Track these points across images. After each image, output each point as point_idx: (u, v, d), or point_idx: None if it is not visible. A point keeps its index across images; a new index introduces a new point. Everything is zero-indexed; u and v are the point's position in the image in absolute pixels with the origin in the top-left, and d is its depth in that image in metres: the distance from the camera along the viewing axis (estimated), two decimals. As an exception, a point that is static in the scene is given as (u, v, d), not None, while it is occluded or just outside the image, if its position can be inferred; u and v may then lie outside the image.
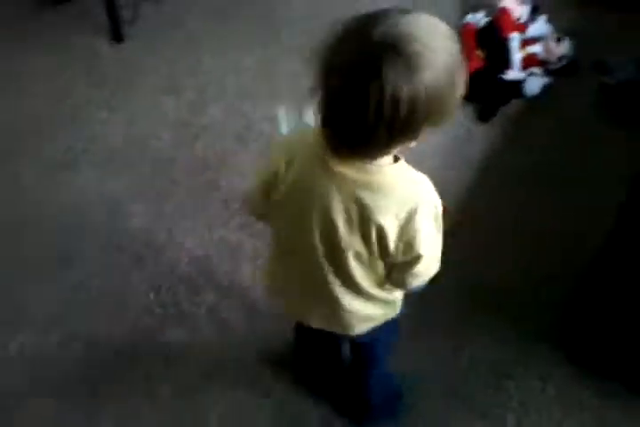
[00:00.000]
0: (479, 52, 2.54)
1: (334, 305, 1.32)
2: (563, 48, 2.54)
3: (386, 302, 1.37)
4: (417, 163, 1.20)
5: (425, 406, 1.85)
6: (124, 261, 2.14)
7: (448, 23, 1.06)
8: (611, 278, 1.83)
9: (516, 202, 2.21)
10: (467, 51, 2.50)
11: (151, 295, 2.07)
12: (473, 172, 2.30)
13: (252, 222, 2.20)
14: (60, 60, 2.68)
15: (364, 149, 1.07)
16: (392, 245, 1.17)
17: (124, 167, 2.37)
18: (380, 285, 1.31)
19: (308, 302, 1.37)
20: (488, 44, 2.56)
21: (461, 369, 1.92)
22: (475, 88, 2.39)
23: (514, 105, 2.47)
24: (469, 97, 2.39)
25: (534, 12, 2.69)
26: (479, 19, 2.65)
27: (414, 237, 1.16)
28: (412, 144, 1.09)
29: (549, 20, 2.67)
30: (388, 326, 1.43)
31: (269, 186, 1.25)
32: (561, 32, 2.60)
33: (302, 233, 1.23)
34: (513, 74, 2.50)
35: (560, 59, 2.54)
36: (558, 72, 2.55)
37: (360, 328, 1.39)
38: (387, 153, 1.10)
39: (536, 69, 2.52)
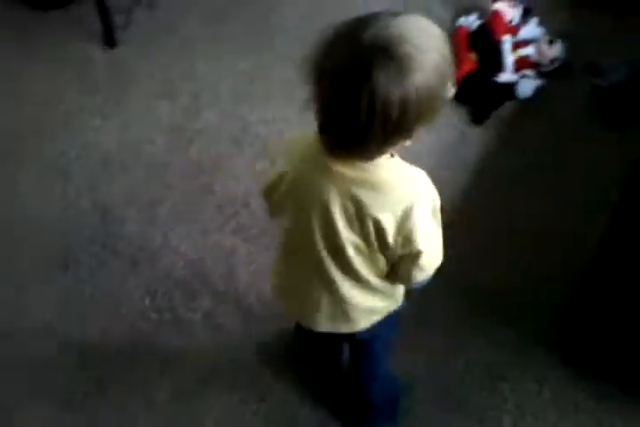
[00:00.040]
0: (472, 55, 2.55)
1: (337, 299, 1.33)
2: (555, 50, 2.55)
3: (387, 294, 1.38)
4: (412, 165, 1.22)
5: (420, 409, 1.85)
6: (119, 266, 2.14)
7: (440, 26, 1.07)
8: (607, 280, 1.83)
9: (510, 203, 2.21)
10: (459, 54, 2.53)
11: (147, 300, 2.07)
12: (468, 174, 2.30)
13: (247, 227, 2.21)
14: (52, 65, 2.68)
15: (360, 150, 1.08)
16: (391, 239, 1.19)
17: (117, 172, 2.37)
18: (382, 277, 1.32)
19: (312, 299, 1.36)
20: (480, 46, 2.56)
21: (457, 372, 1.92)
22: (468, 91, 2.45)
23: (507, 107, 2.48)
24: (463, 100, 2.46)
25: (526, 15, 2.70)
26: (471, 22, 2.66)
27: (413, 232, 1.17)
28: (407, 143, 1.11)
29: (541, 23, 2.68)
30: (390, 321, 1.44)
31: (274, 186, 1.28)
32: (553, 34, 2.61)
33: (303, 230, 1.24)
34: (506, 76, 2.51)
35: (552, 61, 2.55)
36: (551, 74, 2.56)
37: (364, 322, 1.39)
38: (383, 152, 1.11)
39: (529, 72, 2.53)
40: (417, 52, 0.98)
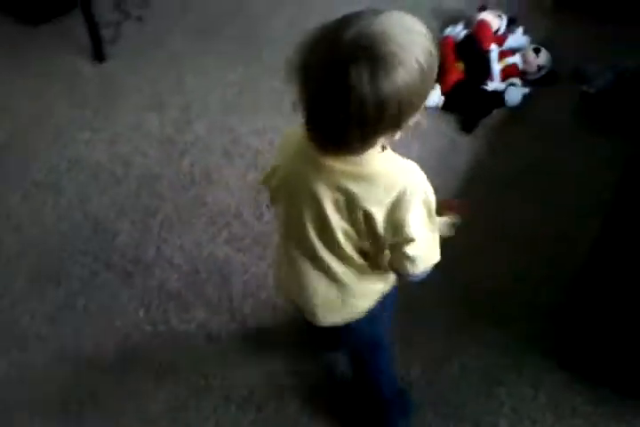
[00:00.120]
0: (459, 65, 2.57)
1: (333, 284, 1.34)
2: (541, 59, 2.58)
3: (381, 277, 1.38)
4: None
5: (416, 414, 1.84)
6: (113, 279, 2.13)
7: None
8: (600, 284, 1.84)
9: (503, 209, 2.22)
10: (447, 63, 2.55)
11: (141, 313, 2.06)
12: (459, 181, 2.32)
13: (239, 237, 2.21)
14: (42, 79, 2.68)
15: (347, 145, 1.09)
16: (380, 228, 1.19)
17: (109, 185, 2.36)
18: (374, 263, 1.33)
19: (310, 286, 1.37)
20: (467, 56, 2.59)
21: (453, 376, 1.91)
22: (457, 100, 2.47)
23: (496, 115, 2.50)
24: (452, 108, 2.47)
25: (511, 24, 2.74)
26: (458, 31, 2.69)
27: (403, 220, 1.18)
28: (397, 136, 1.12)
29: (526, 32, 2.71)
30: (384, 306, 1.44)
31: (270, 177, 1.32)
32: (538, 42, 2.64)
33: (296, 222, 1.27)
34: (494, 85, 2.53)
35: (539, 69, 2.58)
36: (537, 82, 2.59)
37: (361, 306, 1.40)
38: (371, 146, 1.12)
39: (516, 80, 2.56)
40: (400, 50, 0.99)
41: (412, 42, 1.01)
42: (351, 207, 1.18)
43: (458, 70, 2.56)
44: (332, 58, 0.99)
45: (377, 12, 1.02)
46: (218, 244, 2.20)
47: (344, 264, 1.31)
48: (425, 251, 1.25)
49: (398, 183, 1.16)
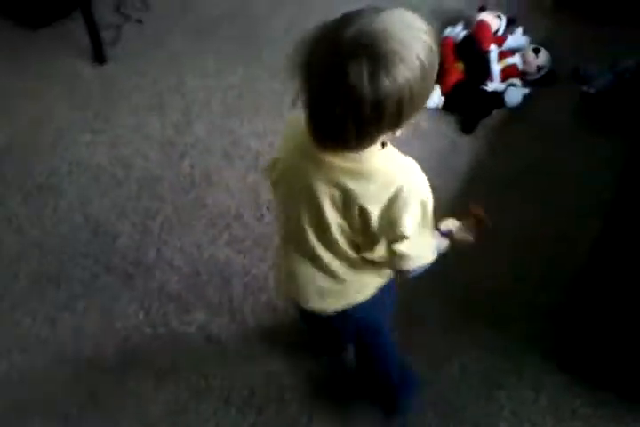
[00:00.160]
0: (459, 65, 2.57)
1: (330, 279, 1.35)
2: (541, 59, 2.57)
3: (374, 270, 1.39)
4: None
5: (417, 416, 1.84)
6: (113, 281, 2.14)
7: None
8: (600, 285, 1.84)
9: (503, 209, 2.21)
10: (447, 64, 2.55)
11: (141, 315, 2.06)
12: (459, 181, 2.32)
13: (240, 239, 2.21)
14: (42, 82, 2.69)
15: (347, 142, 1.09)
16: (375, 224, 1.20)
17: (109, 187, 2.37)
18: (367, 257, 1.33)
19: (308, 285, 1.39)
20: (467, 56, 2.59)
21: (453, 379, 1.92)
22: (457, 100, 2.47)
23: (496, 116, 2.50)
24: (452, 109, 2.47)
25: (511, 25, 2.74)
26: (458, 32, 2.69)
27: (398, 218, 1.19)
28: (398, 133, 1.12)
29: (525, 32, 2.71)
30: (383, 294, 1.45)
31: (271, 168, 1.33)
32: (537, 43, 2.64)
33: (292, 215, 1.29)
34: (493, 85, 2.53)
35: (538, 69, 2.58)
36: (537, 82, 2.59)
37: (359, 297, 1.41)
38: (372, 143, 1.12)
39: (515, 80, 2.56)
40: (401, 48, 0.99)
41: (413, 39, 1.01)
42: (348, 203, 1.19)
43: (458, 71, 2.56)
44: (333, 56, 0.99)
45: (378, 10, 1.02)
46: (218, 246, 2.20)
47: (340, 260, 1.32)
48: (417, 249, 1.26)
49: (396, 181, 1.16)
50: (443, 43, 2.63)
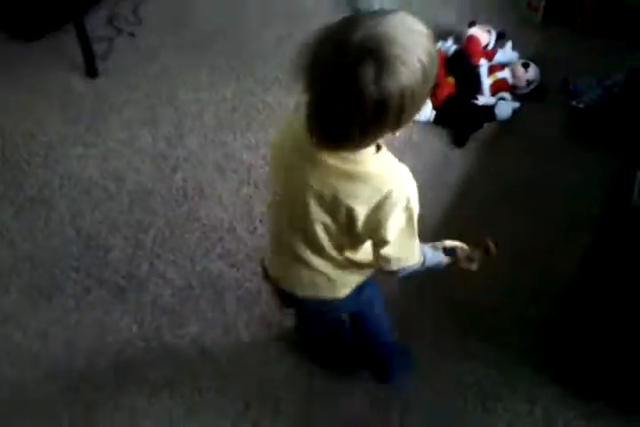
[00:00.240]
0: (450, 79, 2.59)
1: (309, 271, 1.39)
2: (530, 73, 2.60)
3: (356, 270, 1.42)
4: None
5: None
6: (105, 295, 2.13)
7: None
8: (590, 298, 1.85)
9: (494, 222, 2.23)
10: (438, 78, 2.56)
11: (134, 328, 2.06)
12: (451, 195, 2.33)
13: (233, 252, 2.21)
14: (34, 96, 2.68)
15: (348, 142, 1.12)
16: (360, 226, 1.23)
17: (101, 200, 2.36)
18: (351, 256, 1.37)
19: (291, 270, 1.43)
20: (458, 71, 2.61)
21: (449, 392, 1.92)
22: (448, 114, 2.49)
23: (487, 129, 2.52)
24: (443, 122, 2.49)
25: (500, 39, 2.77)
26: (448, 46, 2.71)
27: (383, 222, 1.22)
28: (397, 133, 1.14)
29: (515, 46, 2.74)
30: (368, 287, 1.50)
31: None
32: (527, 57, 2.67)
33: (279, 210, 1.36)
34: (484, 99, 2.56)
35: (528, 84, 2.61)
36: (527, 96, 2.61)
37: (343, 292, 1.45)
38: (371, 143, 1.15)
39: (506, 94, 2.58)
40: (403, 52, 1.02)
41: (414, 43, 1.04)
42: (336, 203, 1.21)
43: (449, 85, 2.59)
44: (339, 58, 1.02)
45: (380, 14, 1.05)
46: (211, 259, 2.20)
47: (324, 259, 1.36)
48: (398, 253, 1.30)
49: (388, 185, 1.19)
50: (434, 57, 2.65)
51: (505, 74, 2.62)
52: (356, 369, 1.94)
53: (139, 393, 1.93)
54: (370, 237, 1.28)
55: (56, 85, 2.71)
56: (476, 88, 2.58)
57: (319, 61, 1.05)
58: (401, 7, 2.64)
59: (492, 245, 1.52)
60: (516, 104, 2.56)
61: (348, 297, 1.46)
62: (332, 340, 1.88)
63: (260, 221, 2.25)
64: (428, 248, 1.44)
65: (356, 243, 1.33)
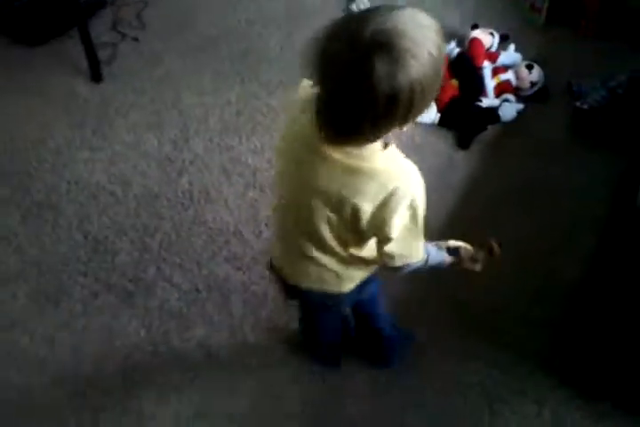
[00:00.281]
0: (453, 82, 2.60)
1: (316, 267, 1.41)
2: (534, 75, 2.61)
3: (361, 265, 1.44)
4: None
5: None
6: (113, 299, 2.14)
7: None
8: (599, 299, 1.86)
9: (498, 223, 2.24)
10: (442, 80, 2.57)
11: (142, 333, 2.06)
12: (455, 196, 2.34)
13: (239, 256, 2.22)
14: (39, 101, 2.69)
15: (359, 136, 1.13)
16: (364, 222, 1.24)
17: (108, 204, 2.37)
18: (356, 252, 1.38)
19: (299, 266, 1.45)
20: (461, 73, 2.62)
21: (457, 394, 1.93)
22: (452, 116, 2.49)
23: (491, 131, 2.52)
24: (448, 125, 2.49)
25: (503, 41, 2.77)
26: (451, 49, 2.72)
27: (388, 219, 1.22)
28: (405, 128, 1.14)
29: (518, 48, 2.75)
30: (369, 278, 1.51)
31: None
32: (530, 59, 2.67)
33: (284, 205, 1.37)
34: (488, 101, 2.56)
35: (532, 85, 2.61)
36: (531, 98, 2.62)
37: (348, 286, 1.47)
38: (379, 138, 1.15)
39: (509, 96, 2.59)
40: (414, 46, 1.02)
41: (424, 37, 1.05)
42: (343, 199, 1.22)
43: (452, 87, 2.59)
44: (350, 55, 1.02)
45: (390, 8, 1.06)
46: (217, 262, 2.21)
47: (329, 255, 1.37)
48: (401, 250, 1.31)
49: (394, 182, 1.19)
50: (437, 59, 2.65)
51: (509, 76, 2.63)
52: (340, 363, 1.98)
53: (147, 397, 1.94)
54: (374, 235, 1.29)
55: (61, 90, 2.72)
56: (480, 90, 2.59)
57: (330, 57, 1.05)
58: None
59: (495, 246, 1.52)
60: (520, 106, 2.57)
61: (353, 291, 1.48)
62: (334, 334, 1.89)
63: (266, 224, 2.26)
64: (431, 247, 1.45)
65: (360, 240, 1.33)
